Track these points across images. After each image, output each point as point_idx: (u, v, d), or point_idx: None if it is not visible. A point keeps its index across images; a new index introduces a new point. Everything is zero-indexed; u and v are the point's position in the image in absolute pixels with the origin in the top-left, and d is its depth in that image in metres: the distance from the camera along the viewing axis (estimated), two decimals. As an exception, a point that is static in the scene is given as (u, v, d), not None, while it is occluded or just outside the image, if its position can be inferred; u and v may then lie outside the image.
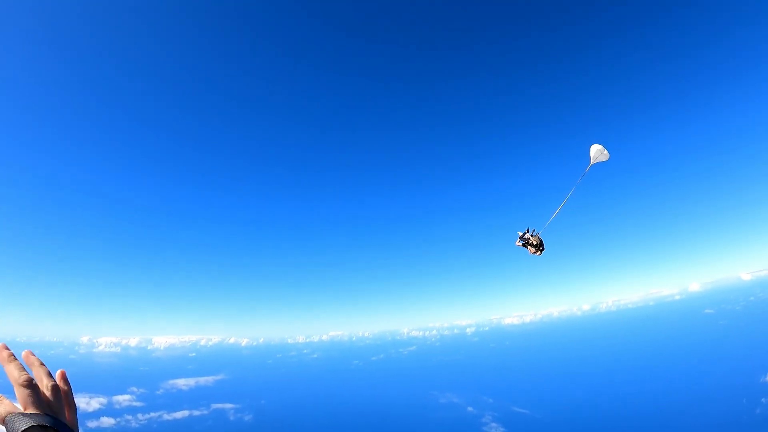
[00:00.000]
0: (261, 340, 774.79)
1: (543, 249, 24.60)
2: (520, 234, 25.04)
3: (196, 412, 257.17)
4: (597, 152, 22.48)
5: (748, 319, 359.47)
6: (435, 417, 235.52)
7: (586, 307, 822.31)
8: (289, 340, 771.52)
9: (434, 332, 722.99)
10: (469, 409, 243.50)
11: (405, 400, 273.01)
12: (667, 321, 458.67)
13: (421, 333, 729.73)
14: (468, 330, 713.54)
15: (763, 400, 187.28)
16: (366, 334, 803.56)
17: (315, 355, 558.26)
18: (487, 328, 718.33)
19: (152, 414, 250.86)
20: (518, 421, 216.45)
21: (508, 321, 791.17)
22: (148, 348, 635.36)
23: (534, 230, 24.80)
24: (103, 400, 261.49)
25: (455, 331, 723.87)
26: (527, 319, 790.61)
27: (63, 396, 3.89)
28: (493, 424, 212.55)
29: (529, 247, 24.86)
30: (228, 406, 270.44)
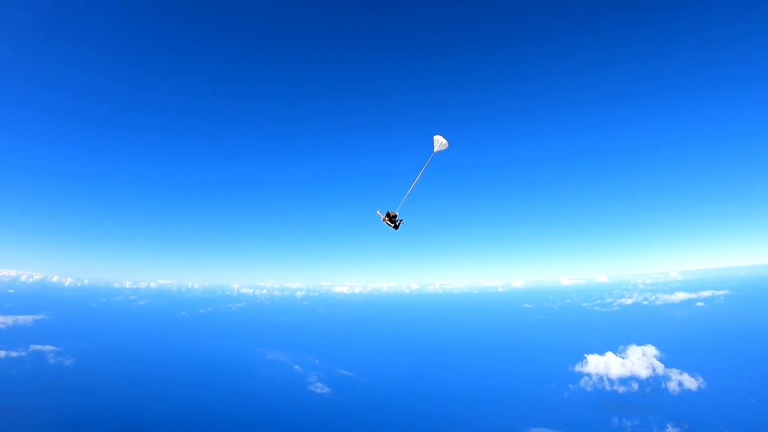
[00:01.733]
0: (86, 282, 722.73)
1: (396, 223, 33.81)
2: (390, 214, 33.48)
3: (13, 353, 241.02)
4: (439, 143, 28.87)
5: (562, 318, 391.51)
6: (261, 373, 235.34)
7: (414, 286, 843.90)
8: (116, 284, 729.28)
9: (264, 291, 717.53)
10: (296, 367, 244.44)
11: (231, 354, 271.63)
12: (488, 308, 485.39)
13: (251, 291, 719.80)
14: (298, 293, 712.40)
15: (570, 386, 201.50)
16: (195, 286, 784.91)
17: (141, 302, 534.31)
18: (317, 294, 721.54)
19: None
20: (343, 383, 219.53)
21: (338, 289, 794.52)
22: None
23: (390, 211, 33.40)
24: None
25: (285, 293, 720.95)
26: (357, 290, 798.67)
27: None
28: (319, 384, 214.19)
29: (389, 222, 33.68)
30: (48, 348, 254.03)
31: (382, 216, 34.11)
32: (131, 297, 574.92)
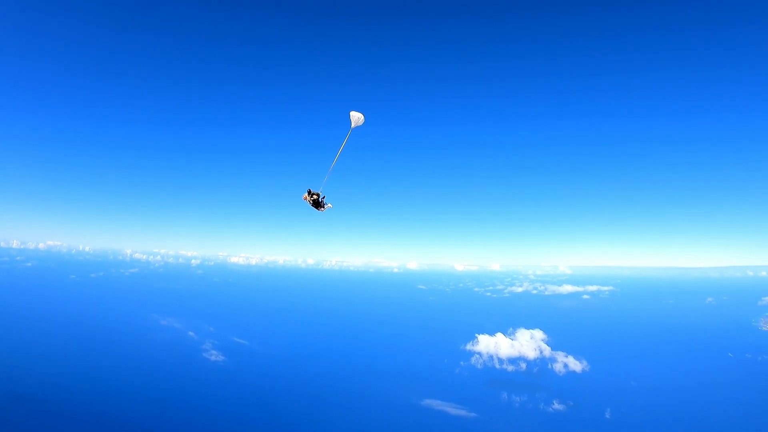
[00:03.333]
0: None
1: (320, 202, 29.32)
2: (312, 192, 28.90)
3: None
4: (355, 118, 25.53)
5: (455, 300, 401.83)
6: (154, 338, 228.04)
7: (310, 261, 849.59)
8: (2, 244, 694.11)
9: (159, 258, 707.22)
10: (190, 333, 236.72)
11: (123, 319, 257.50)
12: (383, 287, 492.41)
13: (144, 257, 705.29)
14: (193, 261, 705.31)
15: (461, 362, 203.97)
16: (87, 249, 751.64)
17: (29, 264, 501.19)
18: (212, 263, 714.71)
19: None
20: (238, 350, 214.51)
21: (234, 260, 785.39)
22: None
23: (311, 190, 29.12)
24: None
25: (180, 260, 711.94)
26: (253, 261, 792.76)
27: None
28: (213, 351, 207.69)
29: (312, 202, 29.26)
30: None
31: (305, 196, 29.77)
32: (18, 258, 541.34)
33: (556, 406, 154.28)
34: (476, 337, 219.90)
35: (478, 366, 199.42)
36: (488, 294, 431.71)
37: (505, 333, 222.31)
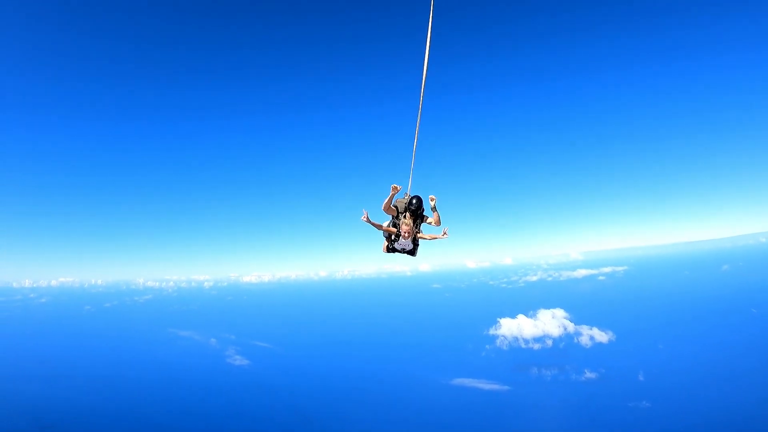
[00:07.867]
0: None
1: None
2: (411, 204, 18.26)
3: None
4: None
5: (471, 294, 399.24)
6: (177, 347, 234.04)
7: (323, 273, 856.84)
8: (14, 284, 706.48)
9: (171, 284, 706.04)
10: (212, 341, 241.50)
11: (143, 337, 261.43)
12: (397, 290, 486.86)
13: (157, 284, 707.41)
14: (206, 284, 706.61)
15: (487, 346, 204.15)
16: (98, 282, 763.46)
17: (43, 300, 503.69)
18: (225, 284, 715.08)
19: None
20: (261, 353, 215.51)
21: (246, 279, 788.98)
22: None
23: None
24: None
25: (192, 284, 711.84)
26: (265, 279, 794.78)
27: None
28: (237, 357, 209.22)
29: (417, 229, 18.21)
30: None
31: (405, 222, 18.32)
32: (31, 295, 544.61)
33: (588, 374, 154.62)
34: (498, 322, 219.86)
35: (504, 347, 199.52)
36: (503, 285, 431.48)
37: (526, 316, 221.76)
